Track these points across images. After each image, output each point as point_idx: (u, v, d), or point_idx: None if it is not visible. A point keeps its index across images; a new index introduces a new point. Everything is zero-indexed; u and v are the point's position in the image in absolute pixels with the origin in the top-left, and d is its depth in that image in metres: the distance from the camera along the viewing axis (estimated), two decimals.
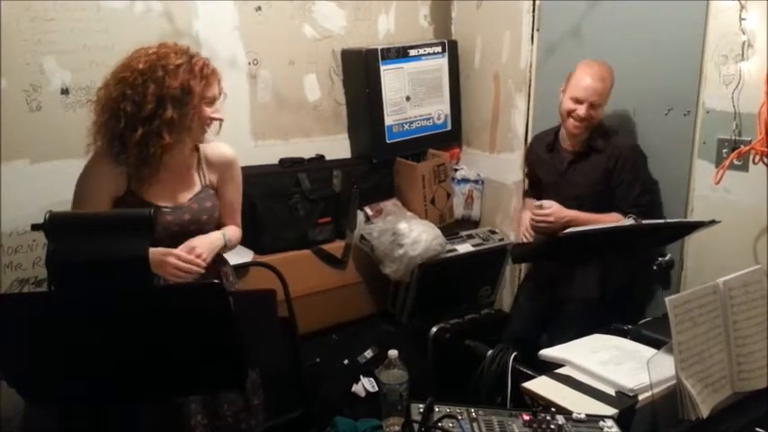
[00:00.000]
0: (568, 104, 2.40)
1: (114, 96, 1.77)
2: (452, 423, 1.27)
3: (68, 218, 1.35)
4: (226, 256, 2.13)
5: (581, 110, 2.36)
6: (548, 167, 2.60)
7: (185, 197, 1.93)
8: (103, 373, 1.32)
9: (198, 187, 1.97)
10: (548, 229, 2.37)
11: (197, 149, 1.99)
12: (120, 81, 1.77)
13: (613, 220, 2.36)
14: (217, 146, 2.04)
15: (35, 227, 1.28)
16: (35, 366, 1.31)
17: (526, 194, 2.88)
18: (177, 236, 1.89)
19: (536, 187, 2.72)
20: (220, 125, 1.94)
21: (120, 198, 1.85)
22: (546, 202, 2.40)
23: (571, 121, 2.40)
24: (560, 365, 1.60)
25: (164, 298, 1.34)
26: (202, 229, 1.95)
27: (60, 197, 2.34)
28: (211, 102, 1.87)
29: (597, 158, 2.45)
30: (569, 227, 2.26)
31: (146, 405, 1.81)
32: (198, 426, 1.91)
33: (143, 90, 1.75)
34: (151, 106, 1.75)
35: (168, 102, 1.76)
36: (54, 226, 1.26)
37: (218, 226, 2.03)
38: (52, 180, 2.50)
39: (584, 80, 2.36)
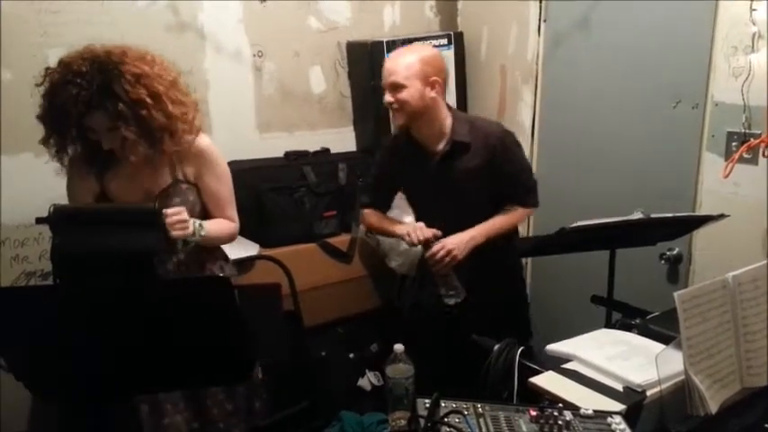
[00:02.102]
0: (385, 96, 2.19)
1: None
2: (459, 418, 1.26)
3: (72, 211, 1.35)
4: (229, 250, 2.12)
5: (386, 96, 2.17)
6: (413, 176, 2.31)
7: (155, 192, 1.87)
8: (108, 366, 1.32)
9: (168, 181, 1.90)
10: (453, 261, 2.14)
11: None
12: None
13: (512, 219, 2.27)
14: (198, 139, 1.95)
15: (39, 220, 1.28)
16: (41, 359, 1.31)
17: (366, 205, 2.46)
18: None
19: (387, 198, 2.45)
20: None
21: (96, 199, 1.83)
22: (433, 238, 2.14)
23: (394, 117, 2.23)
24: (567, 360, 1.59)
25: (169, 291, 1.34)
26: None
27: (65, 191, 2.34)
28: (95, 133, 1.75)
29: (469, 152, 2.21)
30: (474, 247, 2.14)
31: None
32: (173, 426, 1.88)
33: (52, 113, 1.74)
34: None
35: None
36: (58, 219, 1.26)
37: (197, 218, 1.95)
38: (58, 173, 2.51)
39: (385, 65, 2.19)
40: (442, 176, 2.24)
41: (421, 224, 2.20)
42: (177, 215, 1.74)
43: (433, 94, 2.17)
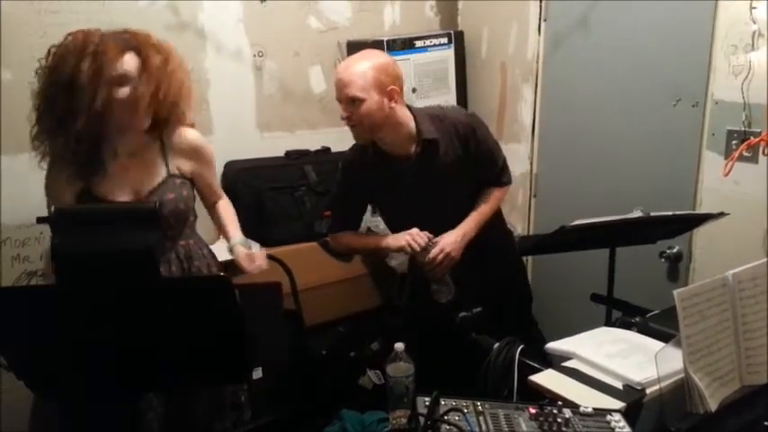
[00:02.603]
0: (341, 110, 2.08)
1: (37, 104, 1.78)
2: (458, 416, 1.26)
3: (73, 211, 1.35)
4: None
5: (343, 111, 2.07)
6: (387, 185, 2.20)
7: (146, 189, 1.86)
8: (109, 365, 1.32)
9: (161, 177, 1.88)
10: (451, 263, 2.11)
11: (160, 138, 1.91)
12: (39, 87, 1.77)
13: (493, 202, 2.23)
14: (182, 132, 1.93)
15: (40, 220, 1.28)
16: (42, 358, 1.32)
17: (333, 230, 2.36)
18: None
19: (352, 220, 2.35)
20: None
21: (77, 198, 1.79)
22: (427, 240, 2.10)
23: (354, 132, 2.10)
24: (567, 358, 1.59)
25: (169, 291, 1.35)
26: (178, 219, 1.91)
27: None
28: (119, 82, 1.73)
29: (441, 148, 2.12)
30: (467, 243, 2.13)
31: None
32: (154, 420, 1.88)
33: (50, 92, 1.74)
34: (61, 104, 1.71)
35: (61, 93, 1.71)
36: (59, 219, 1.26)
37: (191, 213, 1.99)
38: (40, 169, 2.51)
39: (336, 78, 2.06)
40: (420, 179, 2.14)
41: (415, 230, 2.12)
42: (253, 261, 2.01)
43: (392, 104, 2.04)
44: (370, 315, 3.08)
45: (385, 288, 3.13)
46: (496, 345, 1.70)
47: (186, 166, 1.94)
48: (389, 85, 2.03)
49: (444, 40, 3.27)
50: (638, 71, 2.59)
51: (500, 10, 3.21)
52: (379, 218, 2.98)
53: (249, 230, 2.73)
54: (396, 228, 2.22)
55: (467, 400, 1.32)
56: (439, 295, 2.15)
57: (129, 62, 1.73)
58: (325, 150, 3.11)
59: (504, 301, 2.27)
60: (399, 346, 1.50)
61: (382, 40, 3.06)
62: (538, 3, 3.00)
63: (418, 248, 2.09)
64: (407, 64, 3.15)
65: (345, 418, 2.27)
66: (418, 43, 3.18)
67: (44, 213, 1.76)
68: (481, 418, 1.28)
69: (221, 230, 2.13)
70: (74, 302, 1.27)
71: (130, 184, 1.85)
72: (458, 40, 3.31)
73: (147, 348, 1.32)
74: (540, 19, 3.01)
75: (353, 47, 3.14)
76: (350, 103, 2.03)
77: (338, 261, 2.98)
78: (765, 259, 1.57)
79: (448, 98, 3.33)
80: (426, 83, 3.24)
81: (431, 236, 2.12)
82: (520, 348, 1.65)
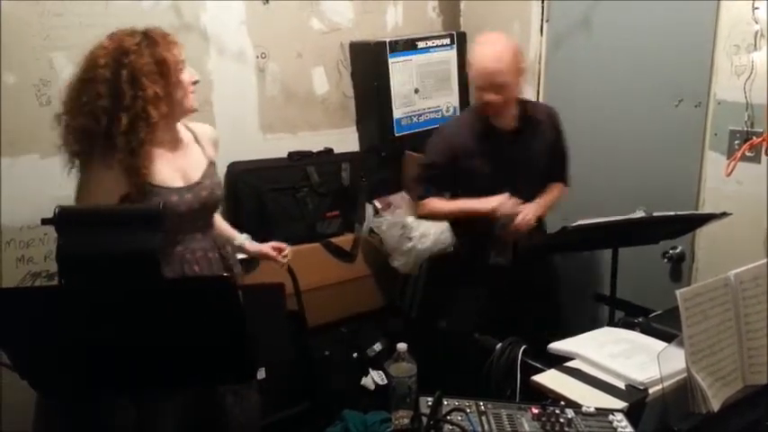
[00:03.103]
0: (480, 95, 2.26)
1: (87, 100, 1.73)
2: (461, 416, 1.26)
3: (78, 212, 1.35)
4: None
5: (489, 96, 2.23)
6: (484, 156, 2.34)
7: (196, 174, 1.90)
8: (112, 366, 1.33)
9: (204, 163, 1.95)
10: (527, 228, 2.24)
11: (188, 128, 1.97)
12: (89, 82, 1.73)
13: (557, 193, 2.40)
14: (202, 125, 2.04)
15: (45, 221, 1.29)
16: (46, 358, 1.32)
17: (423, 197, 2.45)
18: (197, 215, 1.88)
19: (443, 189, 2.44)
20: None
21: (127, 195, 1.78)
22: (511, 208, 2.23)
23: (491, 111, 2.28)
24: (570, 359, 1.59)
25: (173, 291, 1.35)
26: (216, 205, 1.97)
27: (70, 191, 2.35)
28: (183, 66, 1.84)
29: (540, 129, 2.36)
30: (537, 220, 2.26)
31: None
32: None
33: (115, 80, 1.71)
34: (130, 92, 1.71)
35: (144, 80, 1.73)
36: (63, 220, 1.26)
37: None
38: (62, 174, 2.52)
39: (480, 66, 2.22)
40: (514, 153, 2.32)
41: (506, 197, 2.24)
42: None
43: (522, 82, 2.31)
44: (373, 316, 3.08)
45: (387, 289, 3.13)
46: (499, 345, 1.70)
47: (211, 151, 2.01)
48: (521, 64, 2.26)
49: (447, 40, 3.28)
50: (640, 71, 2.59)
51: (502, 10, 3.21)
52: (381, 219, 2.99)
53: (251, 231, 2.73)
54: (474, 196, 2.33)
55: (469, 400, 1.32)
56: (498, 260, 2.28)
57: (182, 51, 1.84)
58: (328, 152, 3.11)
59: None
60: (402, 346, 1.51)
61: (385, 41, 3.06)
62: (540, 3, 3.00)
63: (508, 212, 2.23)
64: (409, 65, 3.16)
65: (348, 419, 2.28)
66: (420, 44, 3.19)
67: (47, 215, 1.77)
68: (484, 418, 1.28)
69: (220, 232, 2.12)
70: (77, 303, 1.27)
71: (180, 171, 1.88)
72: (460, 41, 3.31)
73: (151, 349, 1.33)
74: (542, 19, 3.01)
75: (356, 48, 3.16)
76: (498, 90, 2.20)
77: (340, 262, 2.99)
78: (767, 259, 1.57)
79: (450, 99, 3.33)
80: (429, 84, 3.24)
81: (518, 201, 2.25)
82: (522, 349, 1.66)
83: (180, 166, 1.89)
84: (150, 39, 1.79)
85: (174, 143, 1.91)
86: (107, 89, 1.72)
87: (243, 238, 2.18)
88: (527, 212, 2.24)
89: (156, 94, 1.73)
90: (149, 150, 1.79)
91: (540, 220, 2.39)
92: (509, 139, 2.34)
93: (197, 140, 1.97)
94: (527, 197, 2.30)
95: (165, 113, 1.78)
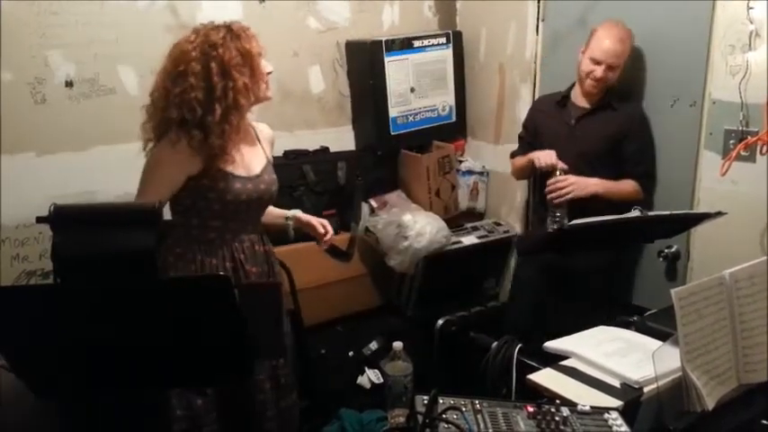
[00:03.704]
0: (587, 65, 2.43)
1: (179, 92, 1.80)
2: (457, 415, 1.26)
3: (73, 210, 1.35)
4: None
5: (598, 71, 2.40)
6: (554, 123, 2.59)
7: (258, 168, 1.98)
8: (108, 365, 1.32)
9: (264, 160, 2.03)
10: (565, 198, 2.36)
11: (250, 125, 2.05)
12: (180, 76, 1.80)
13: (629, 192, 2.42)
14: (261, 124, 2.13)
15: (40, 219, 1.28)
16: (42, 359, 1.32)
17: (514, 155, 2.79)
18: (252, 207, 1.96)
19: (531, 149, 2.65)
20: None
21: (196, 176, 1.85)
22: (560, 170, 2.39)
23: (589, 82, 2.44)
24: (565, 357, 1.59)
25: (169, 290, 1.35)
26: (271, 200, 2.05)
27: (66, 189, 2.36)
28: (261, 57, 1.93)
29: (611, 116, 2.47)
30: (591, 197, 2.31)
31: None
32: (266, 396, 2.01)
33: (206, 74, 1.79)
34: (221, 83, 1.80)
35: (234, 71, 1.81)
36: (59, 218, 1.26)
37: None
38: (58, 172, 2.51)
39: (604, 42, 2.40)
40: (577, 128, 2.51)
41: (552, 152, 2.43)
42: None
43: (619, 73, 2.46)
44: (369, 314, 3.08)
45: (384, 288, 3.14)
46: (495, 344, 1.71)
47: (269, 150, 2.10)
48: (627, 58, 2.45)
49: (443, 40, 3.28)
50: (635, 70, 2.60)
51: (498, 10, 3.22)
52: (377, 217, 2.99)
53: None
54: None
55: (465, 399, 1.32)
56: (550, 223, 2.37)
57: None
58: (324, 150, 3.11)
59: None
60: (398, 345, 1.51)
61: (381, 40, 3.06)
62: (536, 3, 3.01)
63: (542, 164, 2.43)
64: (406, 64, 3.16)
65: (344, 418, 2.27)
66: (417, 43, 3.19)
67: (43, 213, 1.76)
68: (479, 416, 1.28)
69: (271, 214, 2.18)
70: (73, 302, 1.27)
71: (245, 162, 1.95)
72: (456, 40, 3.32)
73: (147, 348, 1.32)
74: (538, 19, 3.01)
75: (352, 47, 3.15)
76: (607, 68, 2.40)
77: (337, 261, 2.98)
78: (762, 258, 1.58)
79: (446, 98, 3.34)
80: (425, 83, 3.24)
81: (564, 166, 2.40)
82: (518, 347, 1.66)
83: (245, 158, 1.96)
84: (233, 32, 1.87)
85: (245, 133, 1.99)
86: (199, 81, 1.79)
87: (295, 211, 2.24)
88: (571, 178, 2.36)
89: (245, 84, 1.83)
90: (234, 138, 1.88)
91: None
92: (577, 115, 2.52)
93: (258, 137, 2.05)
94: (581, 174, 2.41)
95: (252, 102, 1.90)
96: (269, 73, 1.95)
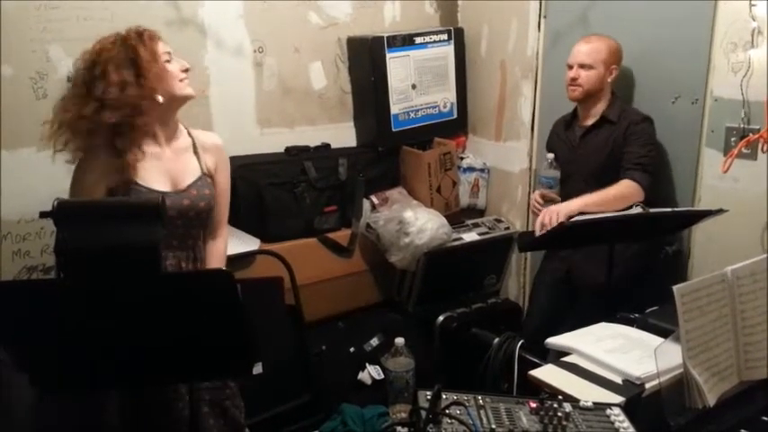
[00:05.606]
0: (566, 73, 2.52)
1: (75, 101, 1.76)
2: (460, 410, 1.27)
3: (76, 205, 1.35)
4: (230, 245, 2.15)
5: (572, 72, 2.50)
6: (563, 144, 2.65)
7: (185, 182, 1.88)
8: (111, 359, 1.33)
9: (198, 173, 1.91)
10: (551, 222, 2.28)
11: (190, 135, 1.95)
12: (74, 85, 1.79)
13: (620, 191, 2.35)
14: (207, 132, 2.04)
15: (43, 214, 1.28)
16: (44, 353, 1.32)
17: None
18: (175, 222, 1.85)
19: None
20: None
21: (115, 188, 1.80)
22: (547, 197, 2.47)
23: (569, 87, 2.52)
24: (567, 353, 1.60)
25: (172, 285, 1.35)
26: (200, 217, 1.91)
27: (67, 185, 2.34)
28: (169, 57, 1.86)
29: (609, 129, 2.49)
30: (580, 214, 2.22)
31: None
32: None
33: (90, 77, 1.75)
34: (100, 83, 1.74)
35: (110, 67, 1.75)
36: (62, 213, 1.26)
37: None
38: (59, 167, 2.51)
39: (575, 47, 2.53)
40: (578, 148, 2.58)
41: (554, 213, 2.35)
42: None
43: (608, 80, 2.50)
44: (370, 311, 3.08)
45: (385, 284, 3.14)
46: (496, 340, 1.71)
47: (211, 162, 1.97)
48: (612, 65, 2.49)
49: (444, 36, 3.27)
50: (637, 68, 2.60)
51: (500, 7, 3.21)
52: (378, 214, 2.99)
53: (249, 226, 2.74)
54: (563, 182, 2.59)
55: (468, 394, 1.33)
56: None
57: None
58: (325, 146, 3.11)
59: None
60: (399, 341, 1.51)
61: (382, 36, 3.06)
62: (538, 0, 3.00)
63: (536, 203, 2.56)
64: (407, 60, 3.15)
65: (345, 413, 2.28)
66: (418, 40, 3.18)
67: (44, 208, 1.76)
68: (482, 411, 1.28)
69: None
70: (76, 297, 1.27)
71: (169, 175, 1.87)
72: (458, 37, 3.31)
73: (149, 343, 1.33)
74: (539, 16, 3.01)
75: (353, 43, 3.15)
76: (580, 67, 2.48)
77: (338, 257, 2.99)
78: (764, 255, 1.58)
79: (447, 95, 3.33)
80: (426, 79, 3.24)
81: (557, 198, 2.51)
82: (520, 343, 1.66)
83: (169, 170, 1.87)
84: (124, 37, 1.81)
85: (170, 141, 1.89)
86: (86, 88, 1.75)
87: None
88: (551, 211, 2.32)
89: (122, 80, 1.74)
90: (139, 147, 1.80)
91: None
92: (580, 134, 2.58)
93: (195, 149, 1.94)
94: (580, 192, 2.41)
95: (155, 104, 1.79)
96: (185, 70, 1.87)
